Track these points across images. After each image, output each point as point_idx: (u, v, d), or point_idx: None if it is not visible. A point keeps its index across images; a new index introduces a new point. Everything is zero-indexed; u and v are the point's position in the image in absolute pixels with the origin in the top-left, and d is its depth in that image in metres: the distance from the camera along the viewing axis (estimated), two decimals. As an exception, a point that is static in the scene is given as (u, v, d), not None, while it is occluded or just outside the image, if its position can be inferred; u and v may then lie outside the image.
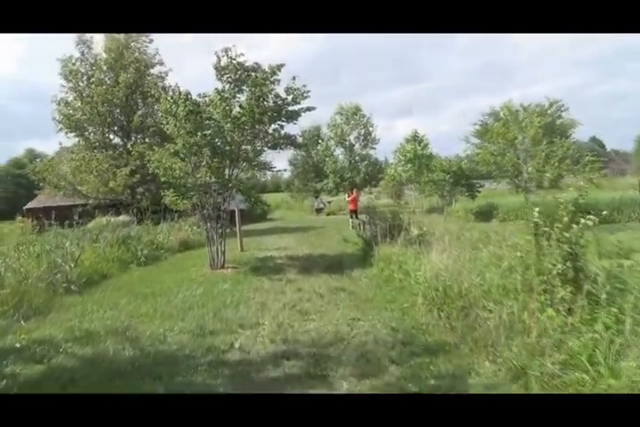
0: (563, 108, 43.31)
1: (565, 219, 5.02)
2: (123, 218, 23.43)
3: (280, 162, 77.15)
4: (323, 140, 38.70)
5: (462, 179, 22.74)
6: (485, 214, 22.67)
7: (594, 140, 70.05)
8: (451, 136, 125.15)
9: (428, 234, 9.38)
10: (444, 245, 7.95)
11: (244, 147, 10.98)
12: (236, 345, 5.10)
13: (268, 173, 62.97)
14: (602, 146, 68.56)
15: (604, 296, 4.49)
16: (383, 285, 7.83)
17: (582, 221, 4.89)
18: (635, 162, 60.42)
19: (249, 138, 10.78)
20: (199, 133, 9.70)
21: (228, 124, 10.30)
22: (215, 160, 10.06)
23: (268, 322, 5.97)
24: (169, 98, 9.96)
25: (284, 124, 10.93)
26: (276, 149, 11.58)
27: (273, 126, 10.94)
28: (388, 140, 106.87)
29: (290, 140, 11.46)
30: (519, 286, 5.10)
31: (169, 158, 10.29)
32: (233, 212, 14.92)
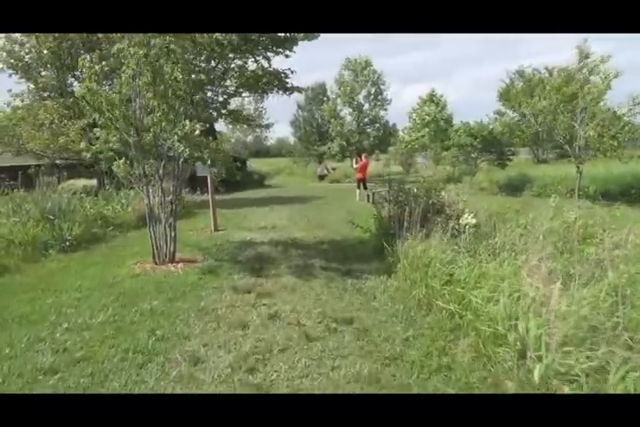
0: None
1: None
2: (92, 182, 20.10)
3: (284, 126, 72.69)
4: (328, 100, 34.68)
5: (492, 145, 19.12)
6: (515, 188, 19.26)
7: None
8: (462, 104, 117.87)
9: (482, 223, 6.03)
10: (524, 245, 4.73)
11: (209, 87, 7.48)
12: None
13: (271, 136, 58.90)
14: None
15: None
16: (418, 316, 4.52)
17: None
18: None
19: (219, 72, 7.24)
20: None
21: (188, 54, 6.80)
22: (167, 103, 6.53)
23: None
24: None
25: (271, 54, 7.31)
26: (256, 91, 8.02)
27: (255, 58, 7.35)
28: (396, 106, 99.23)
29: (277, 79, 7.80)
30: None
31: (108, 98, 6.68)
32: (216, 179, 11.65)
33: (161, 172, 6.94)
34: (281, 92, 8.07)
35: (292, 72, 7.53)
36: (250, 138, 50.72)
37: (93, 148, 6.61)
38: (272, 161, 50.78)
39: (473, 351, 3.50)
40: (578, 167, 13.85)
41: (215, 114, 8.02)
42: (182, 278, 6.21)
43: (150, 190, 6.99)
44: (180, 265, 6.94)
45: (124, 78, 6.37)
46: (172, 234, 7.12)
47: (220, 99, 7.64)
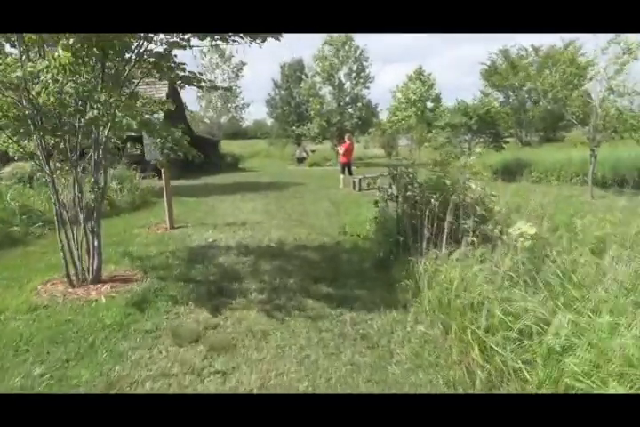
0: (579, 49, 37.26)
1: None
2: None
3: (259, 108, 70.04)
4: (307, 77, 32.33)
5: (488, 126, 17.35)
6: (511, 172, 17.63)
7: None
8: (442, 86, 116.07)
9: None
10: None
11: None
12: None
13: (247, 117, 55.89)
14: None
15: None
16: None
17: None
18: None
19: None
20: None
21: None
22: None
23: None
24: None
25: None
26: (210, 37, 5.52)
27: None
28: (375, 86, 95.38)
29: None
30: None
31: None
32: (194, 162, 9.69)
33: (73, 150, 4.86)
34: (248, 40, 5.48)
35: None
36: (224, 119, 47.86)
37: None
38: (248, 143, 48.29)
39: None
40: (592, 150, 12.14)
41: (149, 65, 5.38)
42: (101, 314, 4.20)
43: (59, 181, 4.94)
44: (107, 288, 4.94)
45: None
46: (96, 242, 5.08)
47: (160, 49, 5.23)
